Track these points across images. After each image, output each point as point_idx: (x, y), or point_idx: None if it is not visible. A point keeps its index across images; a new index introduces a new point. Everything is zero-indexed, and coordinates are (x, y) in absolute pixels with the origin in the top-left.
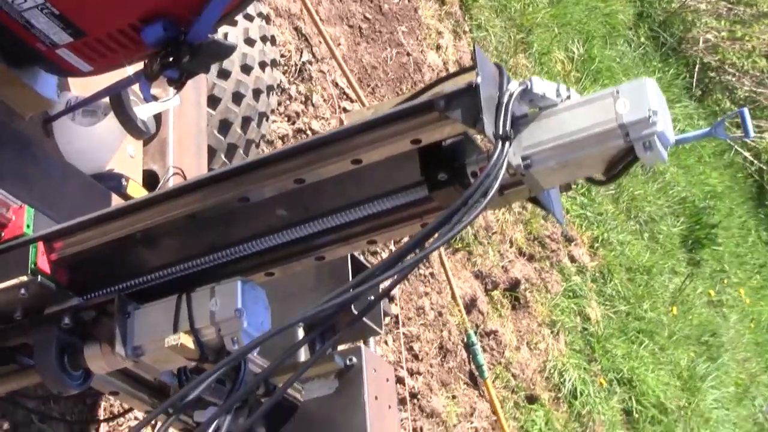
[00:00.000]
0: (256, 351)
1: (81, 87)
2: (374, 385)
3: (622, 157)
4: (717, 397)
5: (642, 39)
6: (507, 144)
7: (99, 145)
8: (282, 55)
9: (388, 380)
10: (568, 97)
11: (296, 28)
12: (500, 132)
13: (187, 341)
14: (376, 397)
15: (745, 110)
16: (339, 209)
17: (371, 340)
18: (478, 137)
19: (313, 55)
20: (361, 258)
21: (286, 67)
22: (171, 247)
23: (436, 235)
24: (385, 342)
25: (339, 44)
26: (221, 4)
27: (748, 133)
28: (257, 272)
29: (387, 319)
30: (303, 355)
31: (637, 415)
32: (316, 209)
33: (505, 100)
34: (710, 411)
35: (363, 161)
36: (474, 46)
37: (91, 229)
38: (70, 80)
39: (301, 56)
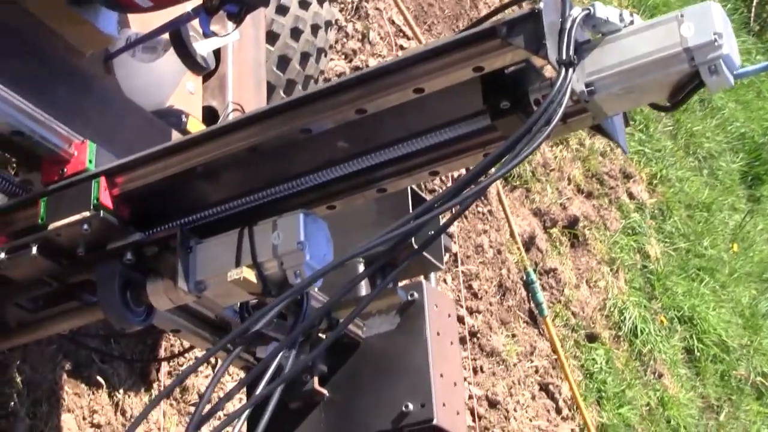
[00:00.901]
0: (318, 287)
1: (141, 24)
2: (436, 321)
3: (687, 82)
4: None
5: None
6: (571, 70)
7: (159, 81)
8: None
9: (449, 316)
10: (632, 22)
11: None
12: (564, 58)
13: (250, 275)
14: (438, 333)
15: None
16: (400, 140)
17: (432, 275)
18: (540, 64)
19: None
20: (422, 193)
21: (342, 5)
22: (232, 180)
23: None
24: (444, 280)
25: None
26: None
27: None
28: (319, 205)
29: (447, 256)
30: (365, 291)
31: (698, 354)
32: (377, 140)
33: (568, 25)
34: None
35: (425, 90)
36: None
37: (153, 163)
38: (130, 17)
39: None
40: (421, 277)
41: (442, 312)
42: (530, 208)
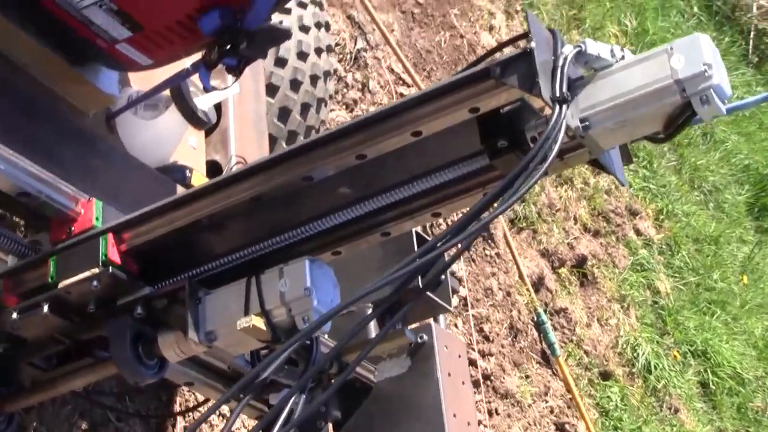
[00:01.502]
0: (326, 332)
1: (141, 82)
2: (447, 362)
3: (679, 113)
4: None
5: (695, 9)
6: (565, 107)
7: (162, 137)
8: (336, 44)
9: (460, 356)
10: (623, 57)
11: (349, 17)
12: (557, 95)
13: (259, 323)
14: (449, 374)
15: None
16: (401, 183)
17: (441, 317)
18: (536, 103)
19: (368, 43)
20: (426, 236)
21: (341, 56)
22: (238, 231)
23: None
24: (455, 325)
25: (392, 30)
26: None
27: None
28: (324, 252)
29: (456, 299)
30: (374, 334)
31: (713, 387)
32: (378, 185)
33: (561, 63)
34: None
35: (423, 133)
36: (527, 12)
37: (158, 217)
38: (131, 75)
39: (355, 44)
40: (431, 320)
41: (452, 353)
42: (537, 249)
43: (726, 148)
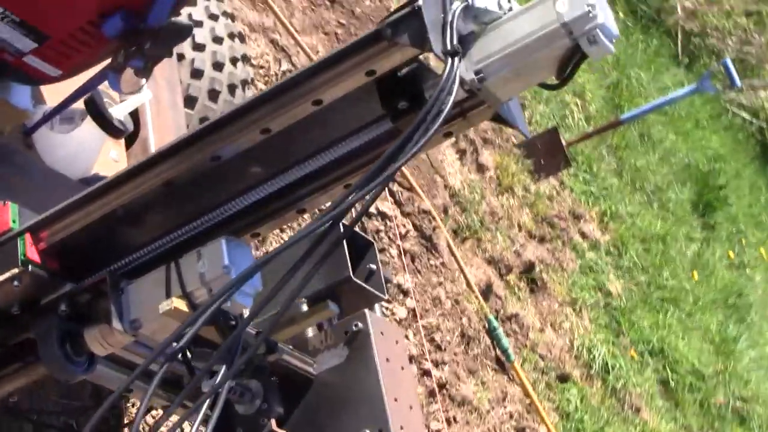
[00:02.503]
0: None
1: (55, 98)
2: (384, 347)
3: (570, 56)
4: (753, 357)
5: (620, 14)
6: (456, 58)
7: (80, 150)
8: (261, 66)
9: (397, 342)
10: (510, 9)
11: (272, 41)
12: (448, 48)
13: (181, 305)
14: (387, 359)
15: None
16: (310, 156)
17: (377, 307)
18: (433, 64)
19: (293, 64)
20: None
21: (266, 78)
22: (154, 220)
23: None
24: (406, 336)
25: (317, 52)
26: None
27: (735, 82)
28: (243, 234)
29: (404, 311)
30: (310, 330)
31: (673, 384)
32: (287, 160)
33: (450, 18)
34: (748, 372)
35: (324, 101)
36: None
37: (73, 213)
38: (45, 93)
39: (280, 66)
40: (365, 309)
41: (388, 338)
42: (483, 257)
43: (664, 148)
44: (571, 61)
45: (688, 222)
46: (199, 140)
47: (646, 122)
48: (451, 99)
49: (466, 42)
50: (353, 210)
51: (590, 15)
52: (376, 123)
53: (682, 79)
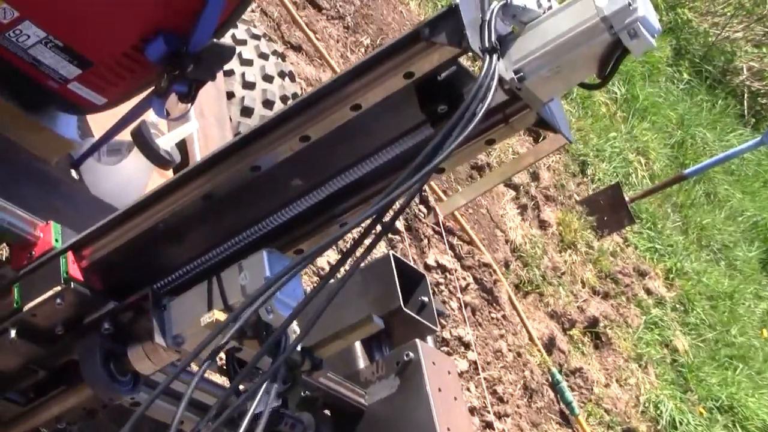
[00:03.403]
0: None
1: (103, 132)
2: (435, 377)
3: (611, 52)
4: None
5: (684, 75)
6: (495, 55)
7: (128, 181)
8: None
9: (449, 372)
10: (550, 7)
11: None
12: (486, 45)
13: (222, 317)
14: (439, 389)
15: None
16: (350, 165)
17: (429, 339)
18: (473, 68)
19: None
20: (403, 258)
21: None
22: (195, 236)
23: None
24: (468, 389)
25: None
26: (216, 10)
27: None
28: (287, 251)
29: (465, 363)
30: (362, 363)
31: None
32: (328, 170)
33: (488, 16)
34: None
35: (362, 105)
36: None
37: (115, 229)
38: (92, 126)
39: None
40: (416, 339)
41: (440, 369)
42: (545, 311)
43: (731, 206)
44: (612, 57)
45: (757, 280)
46: (239, 150)
47: (712, 181)
48: (490, 95)
49: (504, 41)
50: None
51: (630, 8)
52: (417, 129)
53: (748, 138)
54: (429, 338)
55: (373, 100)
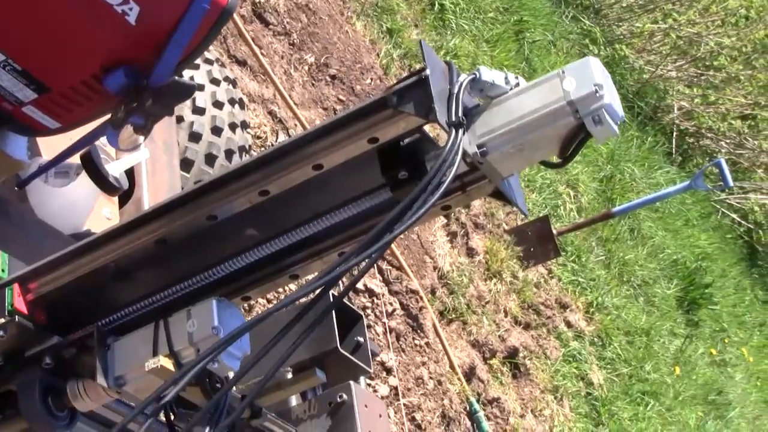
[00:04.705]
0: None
1: (52, 151)
2: (367, 421)
3: (574, 135)
4: None
5: None
6: (461, 130)
7: (74, 205)
8: (258, 137)
9: (380, 416)
10: (517, 84)
11: (270, 112)
12: (453, 119)
13: (167, 364)
14: None
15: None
16: (306, 221)
17: (362, 380)
18: (435, 136)
19: (289, 136)
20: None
21: (263, 148)
22: (145, 277)
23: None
24: (387, 414)
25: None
26: (180, 46)
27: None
28: (234, 297)
29: (386, 388)
30: (294, 399)
31: None
32: (283, 224)
33: (456, 89)
34: None
35: (324, 166)
36: (421, 43)
37: (64, 265)
38: (41, 145)
39: (277, 137)
40: (350, 381)
41: (372, 412)
42: (468, 340)
43: (654, 244)
44: (574, 140)
45: (673, 317)
46: (197, 198)
47: (636, 217)
48: (453, 170)
49: (470, 115)
50: (343, 281)
51: (597, 95)
52: (375, 192)
53: (674, 176)
54: (361, 379)
55: (335, 162)
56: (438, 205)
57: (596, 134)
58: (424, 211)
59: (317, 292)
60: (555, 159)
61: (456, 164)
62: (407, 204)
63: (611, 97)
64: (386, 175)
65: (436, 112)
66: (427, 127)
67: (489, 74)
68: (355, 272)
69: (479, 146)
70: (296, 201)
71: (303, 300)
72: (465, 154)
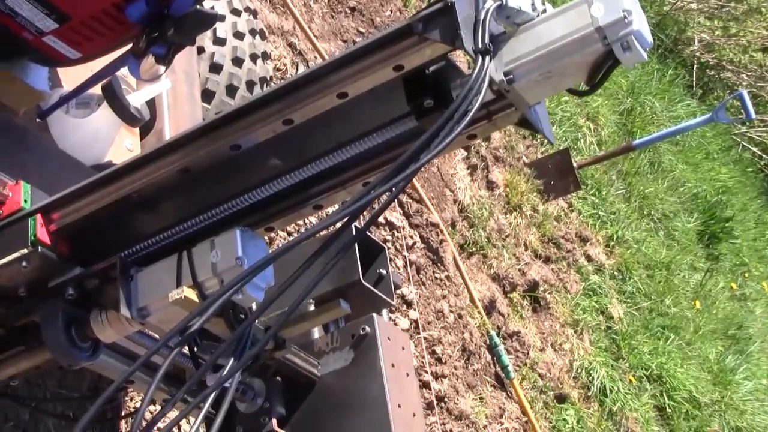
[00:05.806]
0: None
1: (73, 82)
2: (389, 353)
3: (602, 62)
4: (750, 389)
5: None
6: (487, 57)
7: (95, 136)
8: (278, 69)
9: (403, 348)
10: (544, 11)
11: (290, 44)
12: (479, 46)
13: (191, 294)
14: (392, 365)
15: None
16: (330, 150)
17: (384, 312)
18: (460, 63)
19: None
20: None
21: (283, 80)
22: (169, 207)
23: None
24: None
25: None
26: None
27: (749, 114)
28: (258, 227)
29: (407, 322)
30: (317, 331)
31: (670, 411)
32: (307, 154)
33: (482, 16)
34: (744, 403)
35: (349, 94)
36: None
37: (87, 195)
38: (63, 77)
39: (297, 69)
40: (373, 313)
41: (395, 344)
42: (488, 273)
43: (674, 177)
44: (602, 67)
45: (693, 251)
46: (221, 128)
47: (657, 151)
48: (480, 98)
49: (497, 42)
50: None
51: (626, 21)
52: (400, 120)
53: (694, 109)
54: (384, 312)
55: (360, 90)
56: (464, 134)
57: (625, 61)
58: (451, 140)
59: (342, 222)
60: (582, 86)
61: (483, 92)
62: (434, 132)
63: (640, 23)
64: (411, 103)
65: (462, 38)
66: (451, 54)
67: (516, 0)
68: (377, 204)
69: (506, 74)
70: (320, 131)
71: (325, 232)
72: (492, 81)
